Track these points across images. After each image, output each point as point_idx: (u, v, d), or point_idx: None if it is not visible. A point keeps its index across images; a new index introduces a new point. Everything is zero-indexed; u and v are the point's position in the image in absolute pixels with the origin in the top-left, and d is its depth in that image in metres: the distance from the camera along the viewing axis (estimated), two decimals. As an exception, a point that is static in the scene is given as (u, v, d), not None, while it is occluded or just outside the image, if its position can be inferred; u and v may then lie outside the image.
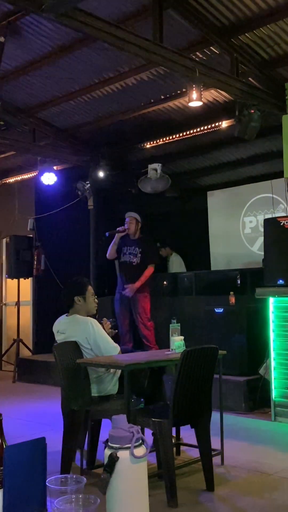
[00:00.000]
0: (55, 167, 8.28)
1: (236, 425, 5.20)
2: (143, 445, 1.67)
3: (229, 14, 5.26)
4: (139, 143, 7.93)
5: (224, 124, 6.87)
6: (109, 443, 1.66)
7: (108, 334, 4.30)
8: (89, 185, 8.49)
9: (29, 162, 8.85)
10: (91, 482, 2.03)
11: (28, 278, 9.02)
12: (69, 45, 5.95)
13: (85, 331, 4.00)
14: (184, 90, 6.23)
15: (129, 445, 1.62)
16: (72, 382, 3.90)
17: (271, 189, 7.91)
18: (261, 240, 7.35)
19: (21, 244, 8.81)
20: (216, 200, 9.16)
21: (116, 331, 4.71)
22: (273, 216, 7.22)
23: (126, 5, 5.27)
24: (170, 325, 4.12)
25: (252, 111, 5.73)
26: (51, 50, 6.10)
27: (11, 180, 9.48)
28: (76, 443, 3.84)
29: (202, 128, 7.12)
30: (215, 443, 3.78)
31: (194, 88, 5.25)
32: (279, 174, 7.77)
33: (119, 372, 4.02)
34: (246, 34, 5.50)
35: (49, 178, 8.18)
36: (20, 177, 9.30)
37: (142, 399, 4.05)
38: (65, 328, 4.12)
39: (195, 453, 3.81)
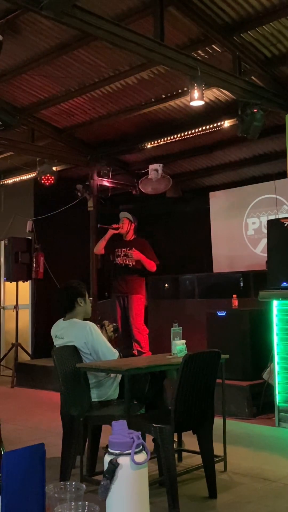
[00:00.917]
0: (54, 168, 8.29)
1: (239, 431, 5.19)
2: (143, 451, 1.67)
3: (231, 11, 5.28)
4: (140, 143, 7.94)
5: (226, 123, 6.88)
6: (109, 449, 1.66)
7: (110, 337, 4.29)
8: (88, 186, 8.49)
9: (28, 163, 8.87)
10: (91, 489, 2.03)
11: (27, 281, 9.03)
12: (68, 43, 5.96)
13: (84, 335, 4.00)
14: (185, 89, 6.25)
15: (130, 451, 1.63)
16: (72, 387, 3.90)
17: (275, 189, 7.91)
18: (264, 241, 7.33)
19: (19, 246, 8.82)
20: (218, 201, 9.16)
21: (116, 335, 4.70)
22: (277, 217, 7.21)
23: (126, 3, 5.29)
24: (172, 328, 4.12)
25: (255, 110, 5.73)
26: (50, 49, 6.12)
27: (10, 181, 9.49)
28: (76, 449, 3.83)
29: (204, 128, 7.14)
30: (217, 449, 3.77)
31: (195, 87, 5.26)
32: (283, 175, 7.78)
33: (119, 377, 4.02)
34: (248, 32, 5.51)
35: (48, 179, 8.19)
36: (19, 178, 9.31)
37: (143, 404, 4.05)
38: (63, 332, 4.12)
39: (197, 460, 3.80)
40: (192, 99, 5.36)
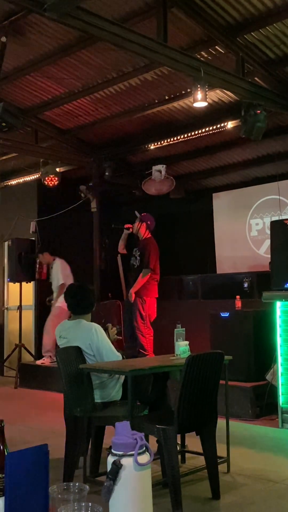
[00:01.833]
0: (57, 169, 8.29)
1: (242, 432, 5.19)
2: (147, 452, 1.67)
3: (235, 12, 5.28)
4: (143, 144, 7.95)
5: (230, 124, 6.88)
6: (112, 450, 1.66)
7: (113, 340, 4.30)
8: (92, 187, 8.50)
9: (32, 164, 8.88)
10: (94, 490, 2.03)
11: (30, 282, 9.04)
12: (72, 44, 5.97)
13: (89, 336, 4.01)
14: (188, 90, 6.25)
15: (133, 452, 1.63)
16: (75, 388, 3.90)
17: (278, 190, 7.91)
18: (268, 242, 7.35)
19: (23, 247, 8.83)
20: (221, 202, 9.16)
21: (121, 337, 4.70)
22: (280, 218, 7.21)
23: (129, 4, 5.30)
24: (175, 329, 4.12)
25: (258, 111, 5.73)
26: (53, 50, 6.13)
27: (13, 182, 9.51)
28: (79, 450, 3.84)
29: (207, 129, 7.14)
30: (221, 451, 3.77)
31: (199, 88, 5.26)
32: (286, 176, 7.78)
33: (122, 378, 4.02)
34: (252, 33, 5.51)
35: (51, 180, 8.20)
36: (22, 179, 9.33)
37: (146, 405, 4.05)
38: (67, 332, 4.13)
39: (200, 461, 3.80)
40: (195, 100, 5.36)
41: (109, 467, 1.64)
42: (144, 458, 1.65)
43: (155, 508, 1.81)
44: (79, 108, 7.47)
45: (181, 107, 7.12)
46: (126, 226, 7.01)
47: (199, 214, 9.50)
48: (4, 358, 9.39)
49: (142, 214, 7.07)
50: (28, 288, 9.21)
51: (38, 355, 8.94)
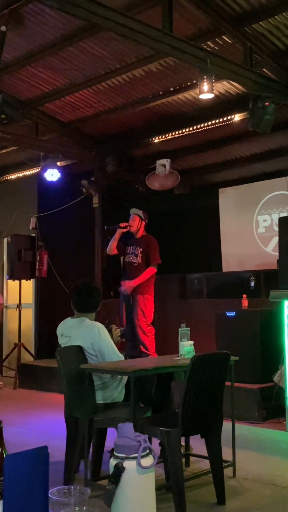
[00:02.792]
0: (58, 163, 8.28)
1: (248, 435, 5.18)
2: (150, 455, 1.67)
3: (242, 1, 5.26)
4: (147, 138, 7.93)
5: (237, 117, 6.86)
6: (115, 453, 1.66)
7: (116, 341, 4.29)
8: (94, 182, 8.49)
9: (32, 158, 8.88)
10: (95, 494, 2.03)
11: (30, 280, 9.04)
12: (74, 34, 5.96)
13: (91, 336, 4.00)
14: (194, 81, 6.24)
15: (136, 454, 1.62)
16: (76, 389, 3.90)
17: (287, 186, 7.89)
18: (275, 240, 7.32)
19: (23, 243, 8.84)
20: (228, 198, 9.14)
21: (124, 339, 4.70)
22: (289, 214, 7.20)
23: (133, -8, 5.28)
24: (179, 329, 4.11)
25: (267, 103, 5.71)
26: (54, 40, 6.11)
27: (13, 176, 9.51)
28: (80, 452, 3.84)
29: (213, 122, 7.12)
30: (226, 454, 3.76)
31: (205, 80, 5.24)
32: (295, 171, 7.75)
33: (125, 378, 4.02)
34: (260, 22, 5.49)
35: (52, 175, 8.19)
36: (22, 174, 9.32)
37: (149, 407, 4.04)
38: (70, 331, 4.13)
39: (205, 465, 3.80)
40: (201, 92, 5.34)
41: (111, 470, 1.64)
42: (148, 461, 1.64)
43: (159, 512, 1.81)
44: (81, 100, 7.46)
45: (186, 99, 7.10)
46: (123, 224, 6.96)
47: (205, 210, 9.48)
48: (3, 357, 9.40)
49: (140, 211, 7.07)
50: (28, 286, 9.22)
51: (38, 355, 8.96)
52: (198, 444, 3.94)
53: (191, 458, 4.25)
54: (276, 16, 5.39)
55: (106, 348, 4.01)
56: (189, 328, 4.15)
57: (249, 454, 4.54)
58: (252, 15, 5.40)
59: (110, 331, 4.35)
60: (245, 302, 6.47)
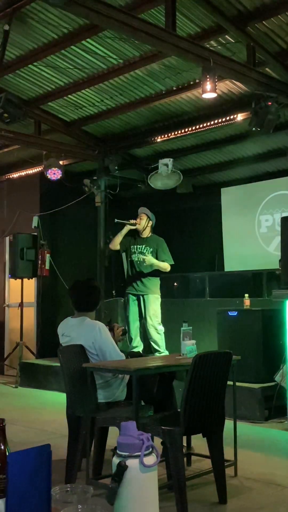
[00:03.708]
0: (61, 162, 8.29)
1: (250, 435, 5.18)
2: (153, 454, 1.66)
3: (246, 0, 5.25)
4: (150, 137, 7.93)
5: (240, 117, 6.85)
6: (118, 451, 1.65)
7: (118, 340, 4.29)
8: (96, 181, 8.49)
9: (34, 157, 8.87)
10: (98, 492, 2.02)
11: (32, 278, 9.04)
12: (76, 33, 5.96)
13: (93, 335, 4.00)
14: (197, 81, 6.22)
15: (139, 453, 1.61)
16: (78, 388, 3.90)
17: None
18: (278, 239, 7.30)
19: (25, 242, 8.84)
20: (230, 197, 9.13)
21: (125, 339, 4.70)
22: (291, 214, 7.18)
23: (137, -9, 5.27)
24: (182, 328, 4.11)
25: (270, 103, 5.70)
26: (57, 39, 6.11)
27: (15, 175, 9.51)
28: (82, 451, 3.84)
29: (216, 121, 7.11)
30: (228, 454, 3.76)
31: (208, 79, 5.23)
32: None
33: (127, 377, 4.02)
34: (263, 22, 5.48)
35: (54, 174, 8.19)
36: (25, 172, 9.32)
37: (151, 406, 4.04)
38: (71, 330, 4.12)
39: (207, 464, 3.80)
40: (204, 92, 5.33)
41: (114, 468, 1.63)
42: (151, 459, 1.63)
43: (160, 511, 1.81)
44: (84, 99, 7.45)
45: (189, 98, 7.09)
46: (132, 221, 7.00)
47: (207, 209, 9.48)
48: (5, 356, 9.41)
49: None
50: (30, 285, 9.22)
51: (40, 353, 8.96)
52: (200, 444, 3.94)
53: (193, 457, 4.25)
54: (279, 16, 5.38)
55: (107, 347, 4.01)
56: (191, 327, 4.15)
57: (251, 453, 4.53)
58: (256, 15, 5.39)
59: (112, 330, 4.35)
60: (247, 302, 6.47)
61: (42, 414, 6.33)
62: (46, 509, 1.56)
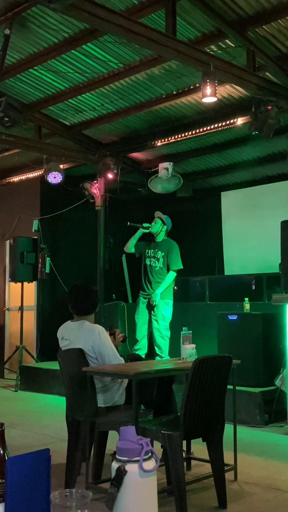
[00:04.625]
0: (61, 166, 8.30)
1: (250, 439, 5.17)
2: (152, 458, 1.66)
3: (246, 5, 5.26)
4: (150, 141, 7.94)
5: (240, 121, 6.86)
6: (117, 456, 1.65)
7: (117, 345, 4.29)
8: (97, 184, 8.50)
9: (35, 161, 8.89)
10: (97, 497, 2.02)
11: (32, 282, 9.04)
12: (77, 37, 5.97)
13: (92, 339, 3.99)
14: (197, 85, 6.23)
15: (138, 458, 1.62)
16: (77, 392, 3.90)
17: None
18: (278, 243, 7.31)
19: (25, 246, 8.84)
20: (230, 201, 9.14)
21: (125, 342, 4.69)
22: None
23: (137, -4, 5.29)
24: (181, 332, 4.11)
25: (270, 107, 5.71)
26: (58, 43, 6.12)
27: (15, 179, 9.52)
28: (81, 455, 3.83)
29: (216, 126, 7.12)
30: (228, 458, 3.76)
31: (208, 83, 5.24)
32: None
33: (126, 381, 4.01)
34: (263, 26, 5.49)
35: (55, 177, 8.20)
36: (25, 176, 9.33)
37: (151, 410, 4.04)
38: (70, 334, 4.12)
39: (206, 468, 3.79)
40: (204, 96, 5.34)
41: (113, 473, 1.63)
42: (150, 464, 1.64)
43: (160, 516, 1.81)
44: (84, 103, 7.47)
45: (189, 102, 7.11)
46: (146, 225, 7.01)
47: (207, 213, 9.48)
48: (5, 360, 9.40)
49: (164, 216, 7.13)
50: (30, 288, 9.22)
51: (40, 357, 8.95)
52: (199, 448, 3.93)
53: (193, 462, 4.24)
54: (279, 20, 5.39)
55: (106, 351, 4.00)
56: (191, 331, 4.15)
57: (250, 458, 4.52)
58: (255, 19, 5.40)
59: (113, 335, 4.34)
60: (247, 306, 6.47)
61: (41, 418, 6.32)
62: (45, 513, 1.56)
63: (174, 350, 5.44)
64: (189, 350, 4.02)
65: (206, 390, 3.40)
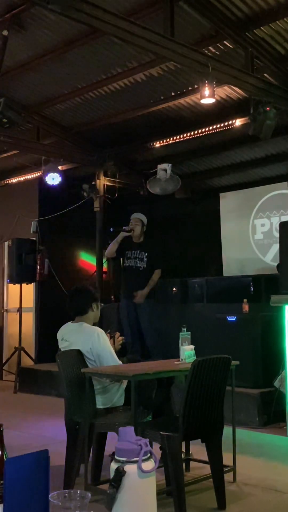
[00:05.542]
0: (59, 167, 8.30)
1: (249, 440, 5.17)
2: (151, 459, 1.66)
3: (244, 6, 5.27)
4: (148, 142, 7.94)
5: (238, 122, 6.87)
6: (116, 456, 1.65)
7: (116, 348, 4.29)
8: (95, 186, 8.50)
9: (33, 162, 8.89)
10: (96, 498, 2.02)
11: (30, 283, 9.04)
12: (75, 39, 5.98)
13: (91, 341, 3.99)
14: (196, 86, 6.24)
15: (137, 458, 1.61)
16: (76, 393, 3.90)
17: (288, 190, 7.89)
18: (276, 244, 7.32)
19: (23, 247, 8.83)
20: (229, 202, 9.14)
21: (124, 346, 4.69)
22: (289, 219, 7.18)
23: (135, -3, 5.30)
24: (180, 333, 4.11)
25: (268, 108, 5.72)
26: (56, 44, 6.13)
27: (14, 180, 9.52)
28: (80, 456, 3.83)
29: (214, 127, 7.13)
30: (227, 459, 3.75)
31: (206, 85, 5.26)
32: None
33: (125, 383, 4.01)
34: (261, 27, 5.51)
35: (53, 179, 8.20)
36: (23, 177, 9.33)
37: (150, 411, 4.03)
38: (70, 335, 4.12)
39: (205, 470, 3.79)
40: (202, 97, 5.36)
41: (112, 474, 1.63)
42: (149, 465, 1.63)
43: (159, 517, 1.80)
44: (83, 105, 7.47)
45: (188, 103, 7.12)
46: (128, 228, 6.97)
47: (206, 214, 9.49)
48: (3, 361, 9.39)
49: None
50: (29, 290, 9.22)
51: (39, 359, 8.94)
52: (198, 449, 3.93)
53: (192, 463, 4.23)
54: (277, 21, 5.40)
55: (104, 353, 4.00)
56: (189, 332, 4.15)
57: (249, 459, 4.52)
58: (253, 21, 5.41)
59: (113, 338, 4.34)
60: (245, 307, 6.46)
61: (40, 420, 6.31)
62: (44, 514, 1.55)
63: (173, 350, 5.43)
64: (188, 351, 4.02)
65: (205, 391, 3.40)
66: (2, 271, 10.02)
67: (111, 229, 7.22)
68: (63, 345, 4.13)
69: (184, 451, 4.06)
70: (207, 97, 5.32)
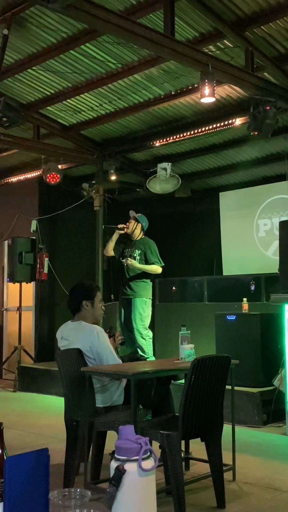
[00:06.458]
0: (59, 166, 8.30)
1: (248, 439, 5.17)
2: (151, 458, 1.66)
3: (244, 5, 5.26)
4: (148, 141, 7.94)
5: (238, 121, 6.87)
6: (116, 455, 1.65)
7: (116, 347, 4.29)
8: (95, 185, 8.50)
9: (33, 161, 8.88)
10: (95, 497, 2.02)
11: (30, 282, 9.04)
12: (76, 37, 5.97)
13: (90, 340, 3.99)
14: (196, 85, 6.24)
15: (137, 457, 1.61)
16: (76, 392, 3.90)
17: None
18: (276, 243, 7.31)
19: (23, 246, 8.83)
20: (228, 202, 9.14)
21: (124, 345, 4.68)
22: (289, 218, 7.19)
23: (135, -4, 5.29)
24: (180, 332, 4.11)
25: (268, 107, 5.72)
26: (56, 43, 6.13)
27: (14, 179, 9.51)
28: (80, 455, 3.83)
29: (214, 126, 7.12)
30: (226, 458, 3.75)
31: (206, 84, 5.25)
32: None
33: (124, 382, 4.01)
34: (262, 27, 5.50)
35: (53, 178, 8.20)
36: (23, 176, 9.32)
37: (149, 410, 4.04)
38: (69, 334, 4.12)
39: (205, 468, 3.79)
40: (202, 96, 5.35)
41: (112, 472, 1.63)
42: (149, 463, 1.63)
43: (159, 516, 1.80)
44: (83, 104, 7.47)
45: (188, 103, 7.11)
46: (120, 226, 6.93)
47: (205, 213, 9.49)
48: (3, 360, 9.39)
49: (138, 214, 7.04)
50: (28, 289, 9.22)
51: (38, 357, 8.94)
52: (198, 448, 3.93)
53: (191, 462, 4.24)
54: (277, 21, 5.39)
55: (104, 352, 4.00)
56: (189, 331, 4.15)
57: (249, 458, 4.53)
58: (254, 19, 5.41)
59: (113, 337, 4.34)
60: (245, 306, 6.47)
61: (40, 418, 6.32)
62: (44, 513, 1.56)
63: (172, 349, 5.44)
64: (187, 350, 4.02)
65: (205, 390, 3.40)
66: (2, 270, 10.01)
67: (103, 226, 7.17)
68: (62, 344, 4.13)
69: (183, 449, 4.06)
70: (207, 96, 5.31)
